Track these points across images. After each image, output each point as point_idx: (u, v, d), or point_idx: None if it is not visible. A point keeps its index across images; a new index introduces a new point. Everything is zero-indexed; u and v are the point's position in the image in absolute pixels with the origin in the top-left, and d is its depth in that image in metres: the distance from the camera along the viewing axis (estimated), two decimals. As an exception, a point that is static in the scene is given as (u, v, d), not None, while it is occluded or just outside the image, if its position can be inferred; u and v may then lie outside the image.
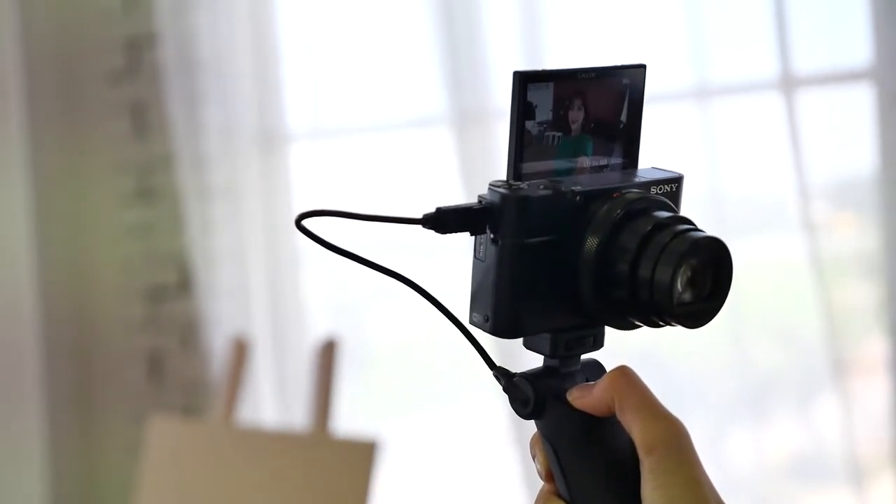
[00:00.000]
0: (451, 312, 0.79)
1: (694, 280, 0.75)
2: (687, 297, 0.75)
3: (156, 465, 2.42)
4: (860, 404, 2.33)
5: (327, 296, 2.83)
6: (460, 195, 2.51)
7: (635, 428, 0.74)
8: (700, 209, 2.51)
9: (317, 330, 2.74)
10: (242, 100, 2.94)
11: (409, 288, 0.79)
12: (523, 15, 2.57)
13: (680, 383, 2.59)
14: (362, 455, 2.15)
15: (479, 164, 2.59)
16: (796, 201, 2.34)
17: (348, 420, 2.73)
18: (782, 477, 2.50)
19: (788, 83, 2.30)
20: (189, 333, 3.14)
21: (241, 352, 2.46)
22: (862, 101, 2.31)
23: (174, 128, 3.03)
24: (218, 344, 2.98)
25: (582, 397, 0.77)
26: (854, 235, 2.45)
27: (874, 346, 2.39)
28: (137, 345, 3.23)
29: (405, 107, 2.83)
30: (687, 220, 0.77)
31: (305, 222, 0.79)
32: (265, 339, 2.94)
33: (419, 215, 0.77)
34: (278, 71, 2.96)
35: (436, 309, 0.79)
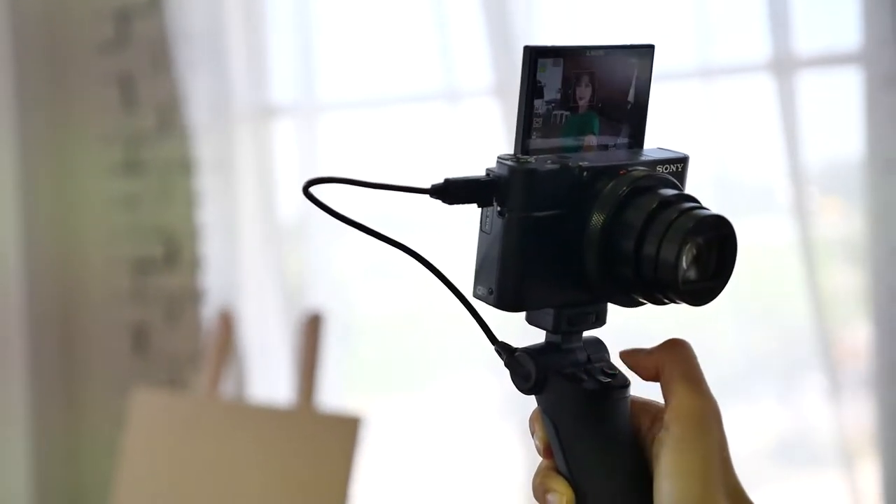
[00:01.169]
0: (455, 286, 0.79)
1: (699, 258, 0.75)
2: (692, 274, 0.75)
3: (139, 438, 2.42)
4: (845, 388, 2.33)
5: (315, 270, 2.82)
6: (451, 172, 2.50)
7: (675, 396, 0.75)
8: (693, 190, 2.52)
9: (304, 304, 2.73)
10: (233, 72, 2.92)
11: (414, 259, 0.79)
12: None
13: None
14: (347, 430, 2.15)
15: (464, 142, 2.58)
16: (785, 184, 2.34)
17: (334, 395, 2.73)
18: (767, 459, 2.51)
19: (780, 66, 2.30)
20: (175, 306, 3.13)
21: (227, 325, 2.46)
22: (850, 85, 2.31)
23: (163, 100, 3.02)
24: (204, 317, 2.98)
25: (634, 355, 0.78)
26: (840, 220, 2.45)
27: (859, 330, 2.39)
28: (123, 317, 3.23)
29: (398, 81, 2.82)
30: (692, 198, 0.77)
31: (313, 189, 0.79)
32: (252, 313, 2.94)
33: (427, 185, 0.77)
34: (269, 43, 2.95)
35: (440, 281, 0.79)
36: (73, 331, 3.29)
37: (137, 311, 3.20)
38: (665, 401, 0.75)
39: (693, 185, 2.48)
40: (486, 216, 0.77)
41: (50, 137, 3.24)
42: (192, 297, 3.04)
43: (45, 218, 3.23)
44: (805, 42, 2.32)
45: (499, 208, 0.76)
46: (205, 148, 2.93)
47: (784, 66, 2.30)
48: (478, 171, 0.78)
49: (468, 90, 2.63)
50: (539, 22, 2.56)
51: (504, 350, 0.79)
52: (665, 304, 0.76)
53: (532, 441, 0.80)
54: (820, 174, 2.41)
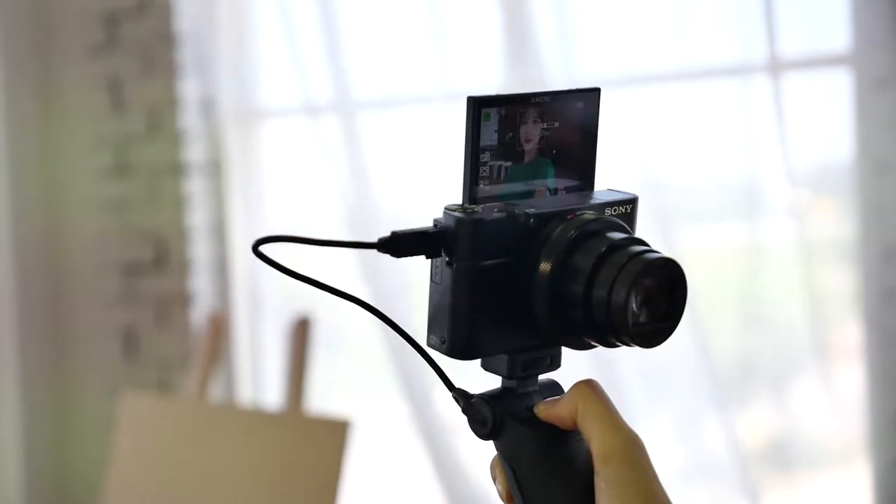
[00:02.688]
0: (409, 335, 0.80)
1: (649, 301, 0.75)
2: (643, 317, 0.75)
3: (128, 441, 2.41)
4: (837, 389, 2.33)
5: (304, 273, 2.81)
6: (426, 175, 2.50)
7: (594, 437, 0.74)
8: (685, 192, 2.51)
9: (292, 308, 2.73)
10: (221, 75, 2.92)
11: (367, 311, 0.79)
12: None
13: (658, 367, 2.59)
14: (335, 434, 2.15)
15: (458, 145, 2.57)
16: (776, 186, 2.34)
17: (323, 399, 2.72)
18: (760, 461, 2.50)
19: (770, 68, 2.30)
20: (164, 310, 3.12)
21: (216, 329, 2.45)
22: (840, 87, 2.30)
23: (152, 103, 3.01)
24: (194, 320, 2.97)
25: (549, 409, 0.77)
26: (831, 221, 2.45)
27: (851, 332, 2.39)
28: (112, 320, 3.22)
29: (387, 83, 2.81)
30: (641, 242, 0.77)
31: (263, 248, 0.79)
32: (241, 317, 2.93)
33: (374, 240, 0.77)
34: (257, 47, 2.95)
35: (395, 331, 0.80)
36: (62, 334, 3.28)
37: (127, 314, 3.19)
38: (588, 443, 0.75)
39: (685, 187, 2.46)
40: (436, 266, 0.77)
41: (39, 140, 3.23)
42: (181, 300, 3.03)
43: (35, 221, 3.22)
44: (795, 44, 2.32)
45: (447, 258, 0.76)
46: (194, 151, 2.93)
47: (774, 67, 2.29)
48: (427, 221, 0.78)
49: (466, 92, 2.62)
50: (538, 26, 2.56)
51: (461, 396, 0.80)
52: (616, 346, 0.76)
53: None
54: (811, 175, 2.41)
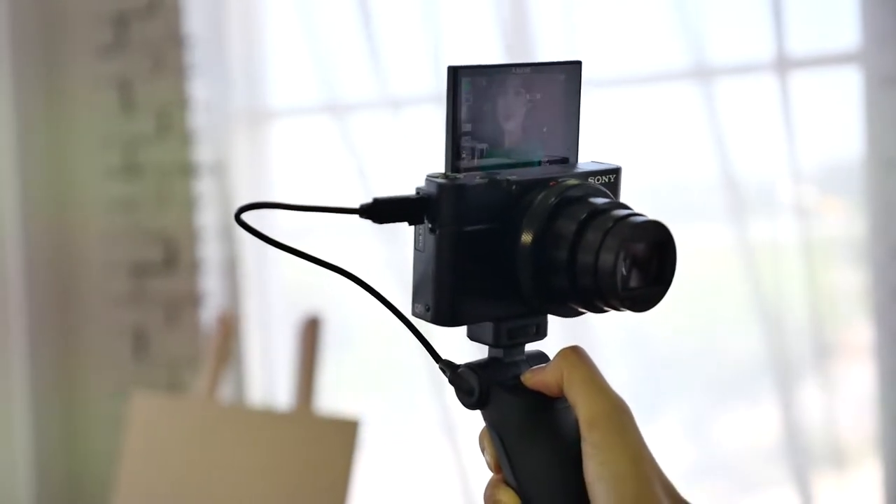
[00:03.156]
0: (395, 306, 0.80)
1: (639, 264, 0.75)
2: (633, 281, 0.75)
3: (138, 441, 2.41)
4: (845, 389, 2.33)
5: (313, 273, 2.82)
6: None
7: (579, 402, 0.74)
8: (693, 191, 2.51)
9: (302, 307, 2.73)
10: (231, 76, 2.93)
11: (351, 281, 0.80)
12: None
13: (663, 365, 2.59)
14: (345, 433, 2.15)
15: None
16: (785, 184, 2.34)
17: (333, 398, 2.72)
18: (768, 460, 2.50)
19: (778, 66, 2.30)
20: (174, 310, 3.13)
21: (226, 328, 2.45)
22: (849, 85, 2.30)
23: (162, 103, 3.02)
24: (203, 320, 2.98)
25: (535, 375, 0.77)
26: (840, 220, 2.44)
27: (859, 331, 2.39)
28: (122, 320, 3.22)
29: (397, 84, 2.82)
30: (625, 206, 0.76)
31: (244, 216, 0.78)
32: (250, 316, 2.93)
33: (356, 205, 0.77)
34: (266, 47, 2.95)
35: (379, 302, 0.80)
36: (72, 334, 3.29)
37: (136, 314, 3.20)
38: (575, 409, 0.74)
39: (694, 186, 2.46)
40: (419, 234, 0.77)
41: (48, 141, 3.23)
42: (191, 300, 3.04)
43: (44, 221, 3.23)
44: (803, 42, 2.32)
45: (430, 225, 0.76)
46: (203, 151, 2.93)
47: (783, 66, 2.29)
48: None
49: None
50: (530, 32, 2.56)
51: (448, 367, 0.80)
52: (605, 311, 0.76)
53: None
54: (820, 174, 2.41)
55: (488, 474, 0.80)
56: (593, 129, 2.42)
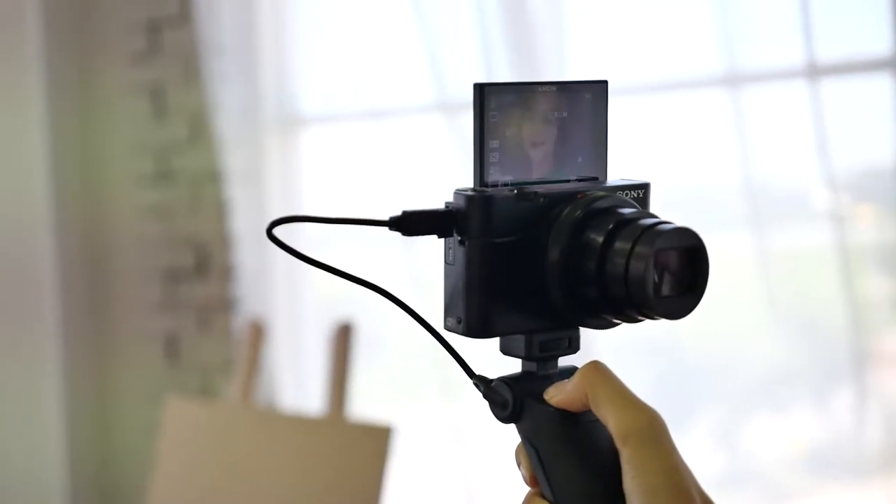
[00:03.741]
0: (427, 322, 0.80)
1: (670, 272, 0.75)
2: (666, 289, 0.75)
3: (172, 446, 2.42)
4: (879, 397, 2.31)
5: (343, 280, 2.82)
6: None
7: (610, 419, 0.73)
8: (724, 198, 2.50)
9: (334, 313, 2.74)
10: (262, 83, 2.94)
11: (384, 297, 0.80)
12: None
13: (696, 373, 2.59)
14: (378, 439, 2.15)
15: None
16: (818, 191, 2.33)
17: (363, 404, 2.73)
18: (799, 468, 2.49)
19: (812, 72, 2.28)
20: (206, 315, 3.14)
21: (257, 334, 2.46)
22: (881, 91, 2.29)
23: (194, 110, 3.03)
24: (235, 326, 2.99)
25: (557, 394, 0.77)
26: (874, 227, 2.43)
27: (894, 339, 2.37)
28: (154, 326, 3.24)
29: (426, 91, 2.82)
30: (653, 215, 0.76)
31: (276, 230, 0.78)
32: (282, 323, 2.94)
33: (385, 217, 0.78)
34: (299, 53, 2.96)
35: (411, 318, 0.80)
36: (105, 339, 3.31)
37: (169, 320, 3.21)
38: (606, 425, 0.74)
39: (724, 193, 2.44)
40: (449, 247, 0.78)
41: (82, 147, 3.26)
42: (223, 305, 3.05)
43: (77, 227, 3.25)
44: (834, 48, 2.31)
45: (459, 238, 0.76)
46: (235, 158, 2.94)
47: (814, 72, 2.28)
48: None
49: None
50: (562, 31, 2.56)
51: (481, 382, 0.80)
52: (639, 321, 0.76)
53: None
54: (852, 181, 2.40)
55: (520, 482, 0.79)
56: (622, 136, 2.41)
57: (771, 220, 2.36)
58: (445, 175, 2.71)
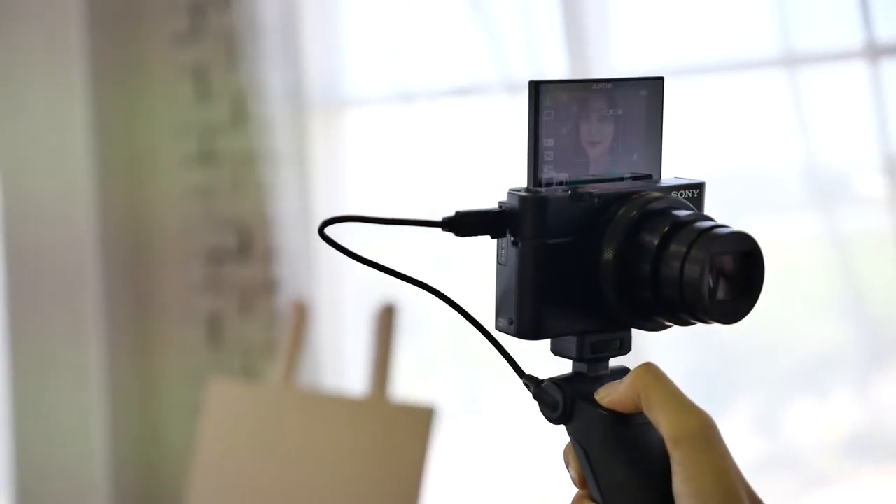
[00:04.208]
0: (478, 322, 0.80)
1: (725, 276, 0.74)
2: (721, 293, 0.74)
3: (215, 427, 2.44)
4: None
5: (388, 260, 2.83)
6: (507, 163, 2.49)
7: (662, 422, 0.73)
8: (772, 180, 2.48)
9: (377, 294, 2.74)
10: (306, 64, 2.94)
11: (435, 297, 0.80)
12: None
13: (737, 357, 2.57)
14: (421, 421, 2.15)
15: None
16: (870, 174, 2.31)
17: (406, 385, 2.73)
18: (840, 453, 2.48)
19: (867, 53, 2.25)
20: (249, 297, 3.15)
21: (301, 315, 2.46)
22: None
23: (238, 90, 3.04)
24: (278, 307, 2.99)
25: (609, 395, 0.77)
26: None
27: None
28: (197, 307, 3.25)
29: (472, 72, 2.81)
30: (709, 218, 0.76)
31: (328, 230, 0.80)
32: (325, 304, 2.95)
33: (439, 218, 0.77)
34: (343, 34, 2.96)
35: (464, 318, 0.80)
36: (147, 320, 3.33)
37: (211, 301, 3.23)
38: (658, 428, 0.74)
39: (779, 176, 2.41)
40: (502, 248, 0.77)
41: (125, 128, 3.27)
42: (266, 287, 3.06)
43: (121, 208, 3.26)
44: (892, 29, 2.27)
45: (512, 238, 0.76)
46: (278, 139, 2.95)
47: (871, 53, 2.25)
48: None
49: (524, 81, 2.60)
50: (612, 15, 2.54)
51: (532, 382, 0.80)
52: (692, 324, 0.76)
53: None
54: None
55: (562, 467, 0.79)
56: (679, 120, 2.40)
57: (821, 203, 2.34)
58: (492, 159, 2.71)
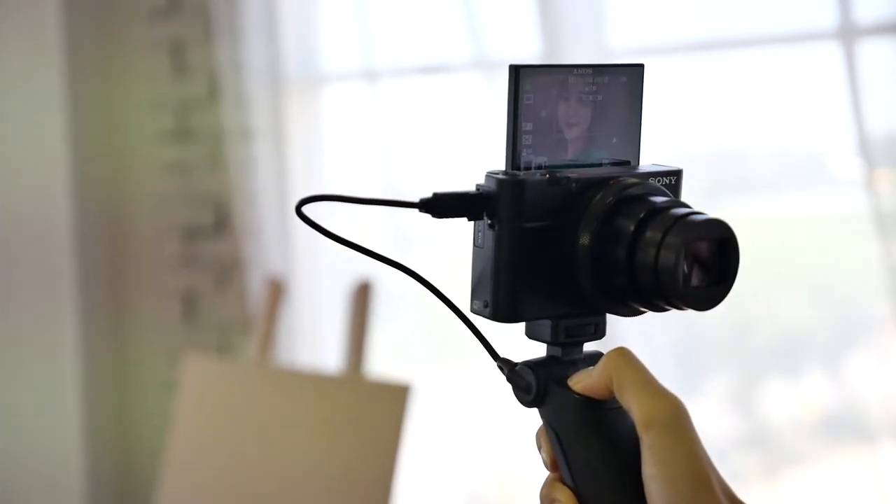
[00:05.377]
0: (453, 302, 0.80)
1: (700, 263, 0.75)
2: (695, 280, 0.75)
3: (190, 403, 2.44)
4: (894, 362, 2.31)
5: (363, 238, 2.83)
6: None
7: (633, 405, 0.73)
8: (735, 162, 2.49)
9: (352, 272, 2.74)
10: (283, 40, 2.93)
11: (410, 277, 0.80)
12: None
13: (711, 336, 2.59)
14: (396, 398, 2.16)
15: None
16: (844, 156, 2.32)
17: (381, 363, 2.74)
18: (813, 432, 2.50)
19: (843, 33, 2.26)
20: (224, 273, 3.15)
21: (276, 292, 2.46)
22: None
23: (214, 67, 3.03)
24: (253, 284, 2.99)
25: (582, 380, 0.77)
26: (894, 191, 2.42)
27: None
28: (173, 284, 3.25)
29: (448, 49, 2.81)
30: (685, 205, 0.76)
31: (305, 208, 0.79)
32: (301, 281, 2.95)
33: (416, 198, 0.77)
34: (320, 10, 2.95)
35: (438, 299, 0.80)
36: (123, 297, 3.32)
37: (187, 278, 3.22)
38: (629, 412, 0.74)
39: (753, 156, 2.42)
40: (478, 230, 0.77)
41: (101, 104, 3.25)
42: (241, 264, 3.06)
43: (96, 184, 3.25)
44: (870, 9, 2.27)
45: (489, 221, 0.76)
46: (255, 115, 2.94)
47: (846, 34, 2.25)
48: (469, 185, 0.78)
49: (512, 60, 2.61)
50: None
51: (505, 365, 0.80)
52: (666, 310, 0.76)
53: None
54: (881, 146, 2.38)
55: (535, 452, 0.80)
56: (654, 100, 2.38)
57: (791, 185, 2.35)
58: (468, 137, 2.71)
